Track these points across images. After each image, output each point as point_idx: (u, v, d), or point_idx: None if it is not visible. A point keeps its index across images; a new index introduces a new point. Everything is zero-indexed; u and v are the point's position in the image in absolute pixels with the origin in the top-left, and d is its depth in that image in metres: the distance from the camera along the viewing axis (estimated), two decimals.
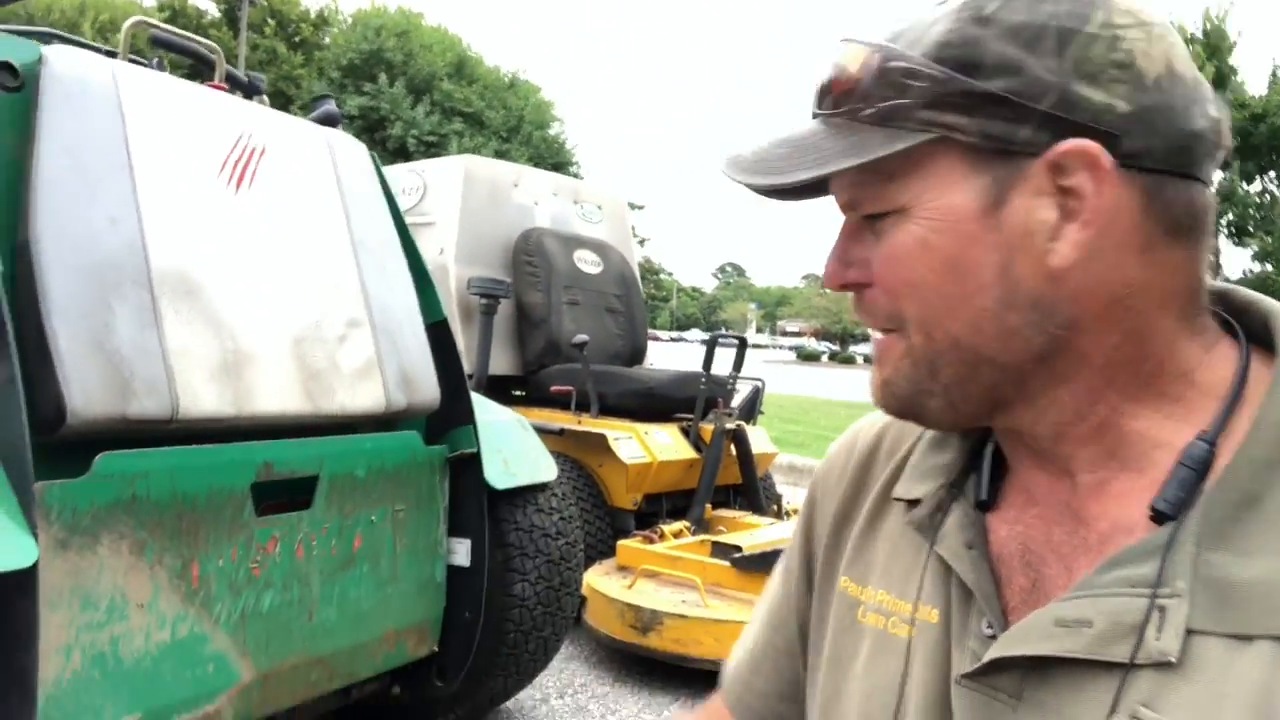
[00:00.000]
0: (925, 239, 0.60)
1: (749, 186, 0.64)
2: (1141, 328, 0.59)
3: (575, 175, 25.82)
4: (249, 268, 1.81)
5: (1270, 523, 0.55)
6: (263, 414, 1.76)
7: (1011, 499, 0.67)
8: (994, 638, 0.62)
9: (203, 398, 1.65)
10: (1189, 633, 0.54)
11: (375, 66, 22.94)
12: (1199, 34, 17.70)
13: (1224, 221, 17.52)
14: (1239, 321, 0.63)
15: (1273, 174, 17.56)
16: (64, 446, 1.49)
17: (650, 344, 4.73)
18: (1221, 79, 17.28)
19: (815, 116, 0.63)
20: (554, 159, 25.05)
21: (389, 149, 21.40)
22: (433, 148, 21.78)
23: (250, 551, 1.73)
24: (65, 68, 1.63)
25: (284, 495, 1.84)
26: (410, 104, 22.30)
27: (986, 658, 0.60)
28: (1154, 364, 0.60)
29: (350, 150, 2.18)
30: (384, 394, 2.02)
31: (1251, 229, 17.12)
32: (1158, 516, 0.57)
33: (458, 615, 2.23)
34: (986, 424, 0.66)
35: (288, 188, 1.96)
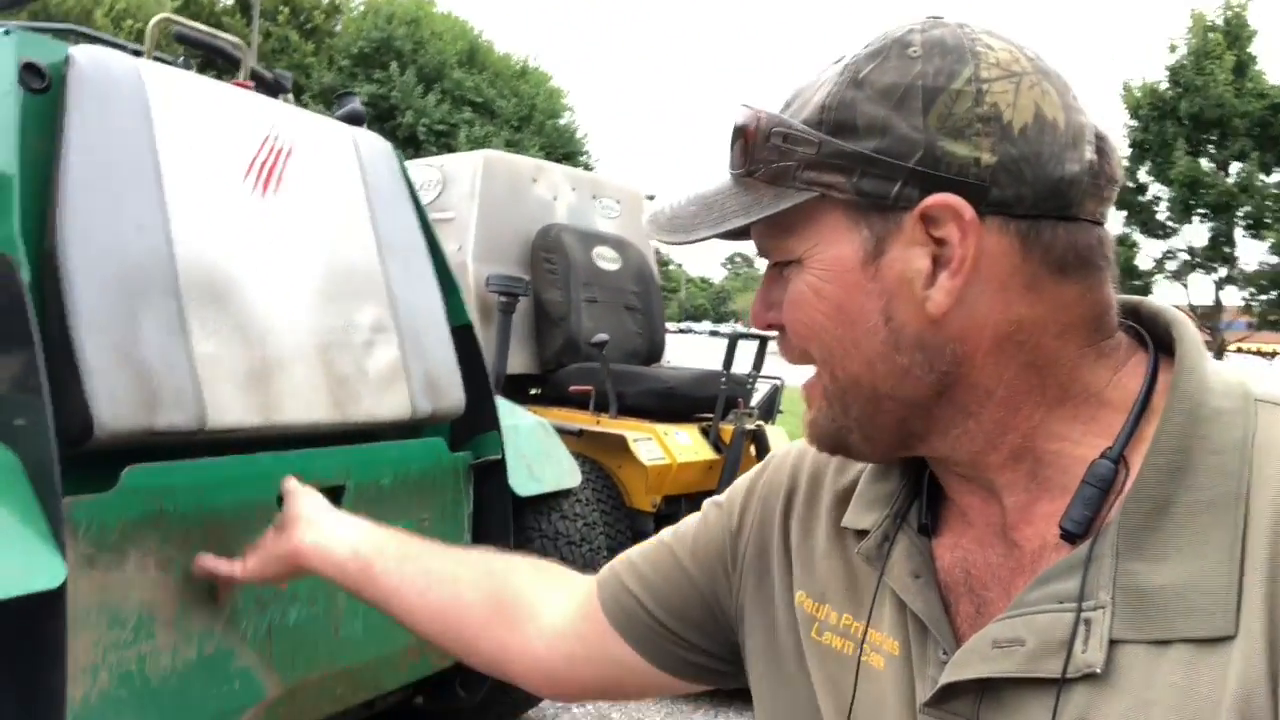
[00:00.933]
0: (817, 287, 0.64)
1: (665, 242, 0.69)
2: (1039, 359, 0.62)
3: (586, 165, 25.75)
4: (276, 272, 1.77)
5: (1179, 527, 0.56)
6: (290, 423, 1.72)
7: (950, 523, 0.70)
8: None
9: (230, 408, 1.61)
10: (1113, 643, 0.56)
11: (386, 55, 22.88)
12: (1220, 22, 17.49)
13: (1240, 214, 17.36)
14: (1150, 333, 0.66)
15: None
16: (88, 459, 1.45)
17: None
18: (1241, 68, 17.10)
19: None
20: (565, 148, 24.97)
21: (399, 138, 21.34)
22: (443, 137, 21.73)
23: None
24: (92, 68, 1.58)
25: None
26: (421, 93, 22.23)
27: (938, 685, 0.63)
28: (1058, 390, 0.62)
29: (376, 149, 2.14)
30: (410, 400, 1.98)
31: (1269, 221, 16.97)
32: (1066, 536, 0.60)
33: None
34: (909, 455, 0.69)
35: (314, 189, 1.92)
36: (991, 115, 0.59)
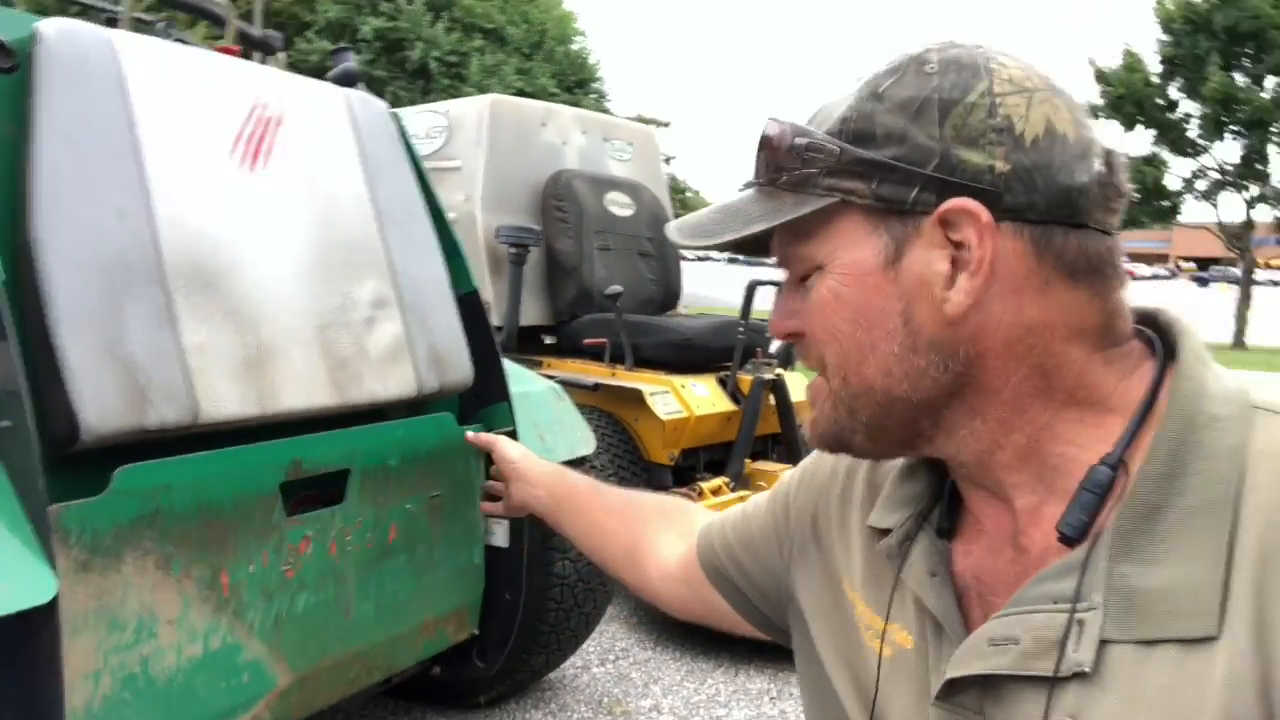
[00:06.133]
0: (838, 292, 0.66)
1: (686, 247, 0.70)
2: (1047, 362, 0.64)
3: (600, 93, 25.21)
4: (269, 252, 1.69)
5: (1169, 533, 0.58)
6: (288, 410, 1.66)
7: (966, 530, 0.72)
8: None
9: (225, 399, 1.55)
10: (1103, 643, 0.58)
11: None
12: None
13: (1275, 130, 16.88)
14: (1164, 341, 0.67)
15: None
16: (77, 461, 1.40)
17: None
18: None
19: (748, 185, 0.71)
20: (578, 75, 24.43)
21: (409, 70, 20.93)
22: (454, 68, 21.28)
23: (282, 554, 1.66)
24: (62, 43, 1.49)
25: (314, 489, 1.76)
26: (430, 22, 21.69)
27: (943, 680, 0.65)
28: (1065, 394, 0.64)
29: (372, 112, 2.04)
30: (415, 377, 1.92)
31: None
32: (1063, 539, 0.62)
33: (497, 597, 2.17)
34: (911, 454, 0.73)
35: (306, 160, 1.83)
36: (1004, 126, 0.62)
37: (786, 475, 0.96)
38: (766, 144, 0.68)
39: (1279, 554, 0.55)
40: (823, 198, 0.65)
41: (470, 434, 1.79)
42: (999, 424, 0.65)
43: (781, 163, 0.67)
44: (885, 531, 0.76)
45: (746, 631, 1.00)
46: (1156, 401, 0.63)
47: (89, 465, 1.39)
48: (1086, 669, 0.57)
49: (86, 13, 2.03)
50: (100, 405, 1.38)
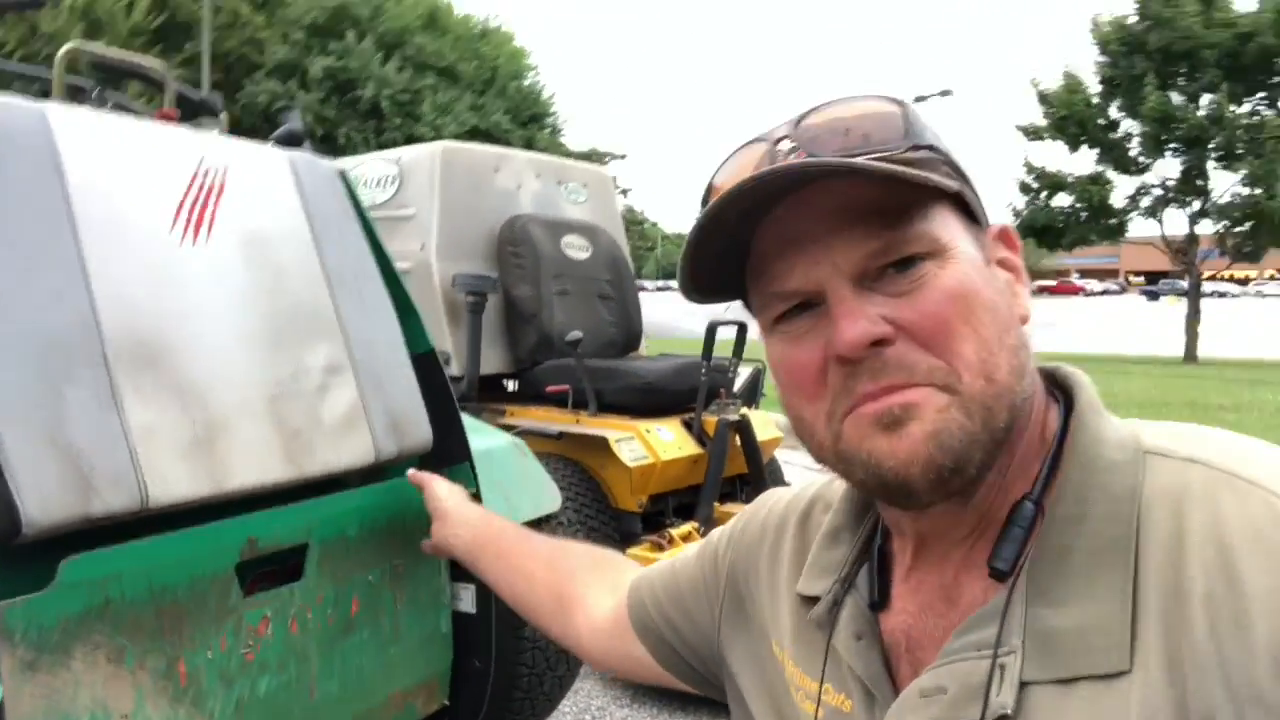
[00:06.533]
0: (972, 278, 0.63)
1: (808, 169, 0.61)
2: (1031, 389, 0.65)
3: (555, 127, 25.32)
4: (215, 324, 1.65)
5: (1078, 572, 0.59)
6: (241, 488, 1.61)
7: (898, 591, 0.72)
8: None
9: (174, 481, 1.50)
10: (1024, 685, 0.58)
11: (342, 24, 22.21)
12: None
13: (1211, 145, 17.30)
14: (1064, 395, 0.69)
15: (1262, 95, 17.26)
16: (19, 554, 1.34)
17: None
18: None
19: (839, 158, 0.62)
20: (531, 110, 24.52)
21: (360, 111, 20.87)
22: (405, 106, 21.25)
23: (241, 637, 1.60)
24: None
25: (272, 566, 1.70)
26: (381, 61, 21.66)
27: None
28: (1035, 427, 0.66)
29: (318, 173, 2.00)
30: (372, 444, 1.87)
31: (1240, 152, 16.89)
32: (996, 574, 0.62)
33: (467, 665, 2.11)
34: (968, 496, 0.65)
35: (251, 227, 1.79)
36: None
37: (716, 532, 0.96)
38: (880, 118, 0.64)
39: (1181, 590, 0.56)
40: (951, 180, 0.64)
41: (411, 472, 1.72)
42: (1003, 464, 0.65)
43: (906, 135, 0.64)
44: (814, 598, 0.77)
45: (671, 685, 1.00)
46: (1064, 447, 0.65)
47: (34, 559, 1.34)
48: (1009, 711, 0.58)
49: (17, 82, 1.98)
50: (42, 496, 1.32)
